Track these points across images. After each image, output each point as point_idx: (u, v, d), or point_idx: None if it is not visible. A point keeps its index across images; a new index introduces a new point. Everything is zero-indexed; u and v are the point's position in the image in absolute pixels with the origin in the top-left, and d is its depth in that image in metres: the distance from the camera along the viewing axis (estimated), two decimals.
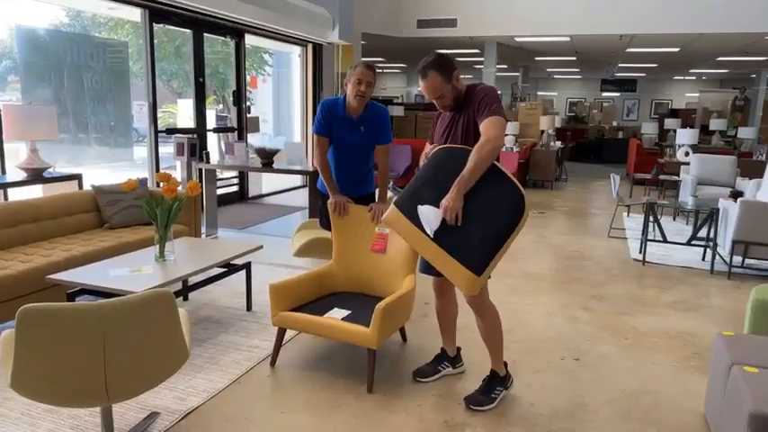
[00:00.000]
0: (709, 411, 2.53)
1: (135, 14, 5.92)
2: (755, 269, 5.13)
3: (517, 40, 10.58)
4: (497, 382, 2.70)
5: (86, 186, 4.50)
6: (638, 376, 3.03)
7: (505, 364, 2.76)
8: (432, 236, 2.33)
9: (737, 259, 5.01)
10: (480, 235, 2.27)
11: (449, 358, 2.97)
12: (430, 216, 2.33)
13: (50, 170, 4.45)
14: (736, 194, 5.62)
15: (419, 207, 2.36)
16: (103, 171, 6.00)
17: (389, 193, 3.61)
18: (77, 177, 4.59)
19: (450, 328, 2.96)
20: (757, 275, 4.99)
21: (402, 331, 3.35)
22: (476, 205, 2.32)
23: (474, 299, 2.58)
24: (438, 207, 2.33)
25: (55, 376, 1.88)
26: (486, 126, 2.36)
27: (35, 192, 4.41)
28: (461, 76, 2.57)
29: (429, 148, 2.63)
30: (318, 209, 3.66)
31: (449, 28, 10.03)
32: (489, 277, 2.41)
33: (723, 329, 2.66)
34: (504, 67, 15.23)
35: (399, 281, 3.02)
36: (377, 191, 3.45)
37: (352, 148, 3.38)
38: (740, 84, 15.68)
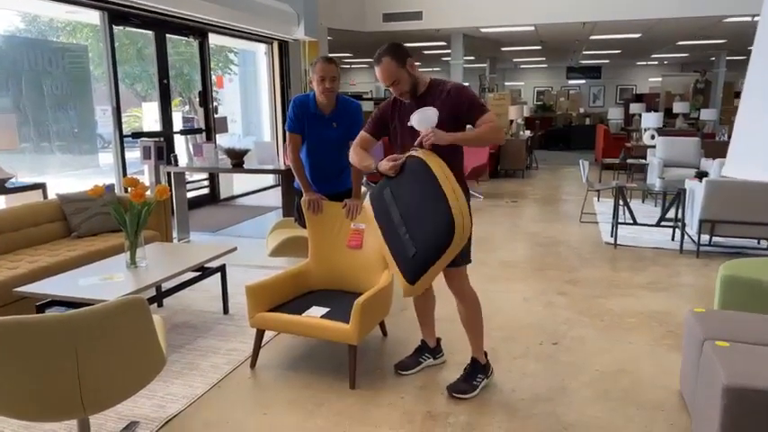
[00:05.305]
0: (685, 387, 2.59)
1: (94, 17, 5.76)
2: (722, 246, 5.27)
3: (482, 30, 10.64)
4: (478, 369, 2.73)
5: (51, 195, 4.38)
6: (615, 357, 3.09)
7: (485, 354, 2.78)
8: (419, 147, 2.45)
9: (705, 238, 5.14)
10: (413, 251, 2.38)
11: (429, 349, 2.99)
12: (429, 116, 2.42)
13: (12, 180, 4.33)
14: (701, 175, 5.75)
15: (416, 111, 2.44)
16: (68, 179, 5.85)
17: (363, 189, 3.60)
18: (41, 186, 4.48)
19: (429, 319, 2.98)
20: (724, 252, 5.12)
21: (382, 325, 3.34)
22: (412, 210, 2.41)
23: (455, 284, 2.64)
24: (403, 217, 2.44)
25: (28, 391, 1.82)
26: (486, 119, 2.53)
27: None
28: (417, 65, 2.62)
29: (359, 140, 2.77)
30: (295, 207, 3.63)
31: (414, 21, 10.04)
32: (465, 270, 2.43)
33: (694, 307, 2.72)
34: (472, 58, 15.31)
35: (377, 276, 3.01)
36: None
37: (325, 145, 3.35)
38: (701, 67, 16.07)
